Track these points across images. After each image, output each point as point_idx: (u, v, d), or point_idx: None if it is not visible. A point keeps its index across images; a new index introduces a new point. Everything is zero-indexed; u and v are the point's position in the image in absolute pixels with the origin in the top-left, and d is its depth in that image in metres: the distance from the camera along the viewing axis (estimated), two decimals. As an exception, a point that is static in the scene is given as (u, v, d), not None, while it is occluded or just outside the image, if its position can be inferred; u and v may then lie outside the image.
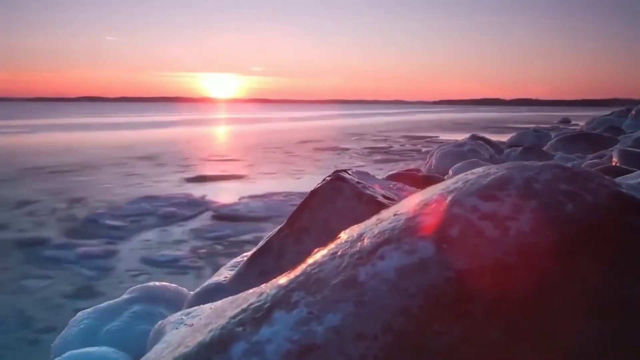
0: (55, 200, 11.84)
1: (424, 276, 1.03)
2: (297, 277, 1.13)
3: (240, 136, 32.84)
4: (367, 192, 2.44)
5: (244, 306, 1.11)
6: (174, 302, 4.48)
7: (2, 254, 7.58)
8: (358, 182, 2.54)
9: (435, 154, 15.35)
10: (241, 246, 7.84)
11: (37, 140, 27.43)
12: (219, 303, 1.98)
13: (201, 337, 1.14)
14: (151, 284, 4.65)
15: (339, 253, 1.17)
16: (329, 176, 2.62)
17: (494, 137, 19.27)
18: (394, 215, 1.26)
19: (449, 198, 1.19)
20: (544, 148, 16.36)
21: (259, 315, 1.05)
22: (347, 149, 23.62)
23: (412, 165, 17.51)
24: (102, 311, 4.36)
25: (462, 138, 18.46)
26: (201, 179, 13.97)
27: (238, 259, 3.12)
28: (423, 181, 6.85)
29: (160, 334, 1.92)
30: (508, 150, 15.84)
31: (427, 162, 15.33)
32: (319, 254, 1.21)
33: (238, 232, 8.61)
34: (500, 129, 37.62)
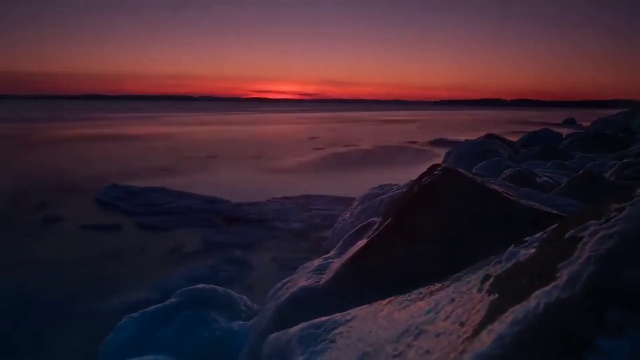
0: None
1: None
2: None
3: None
4: (491, 187, 2.17)
5: (526, 330, 0.84)
6: (226, 306, 4.19)
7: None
8: (474, 176, 2.27)
9: (452, 153, 15.10)
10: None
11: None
12: (355, 313, 1.71)
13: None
14: (199, 286, 4.35)
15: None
16: (436, 171, 2.36)
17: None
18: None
19: None
20: (559, 147, 16.15)
21: (573, 344, 0.78)
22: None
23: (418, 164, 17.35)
24: (150, 316, 4.06)
25: (476, 137, 18.26)
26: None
27: (320, 260, 2.85)
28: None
29: (287, 351, 1.64)
30: (525, 149, 15.62)
31: (444, 161, 15.10)
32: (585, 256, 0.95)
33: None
34: (504, 128, 37.50)
